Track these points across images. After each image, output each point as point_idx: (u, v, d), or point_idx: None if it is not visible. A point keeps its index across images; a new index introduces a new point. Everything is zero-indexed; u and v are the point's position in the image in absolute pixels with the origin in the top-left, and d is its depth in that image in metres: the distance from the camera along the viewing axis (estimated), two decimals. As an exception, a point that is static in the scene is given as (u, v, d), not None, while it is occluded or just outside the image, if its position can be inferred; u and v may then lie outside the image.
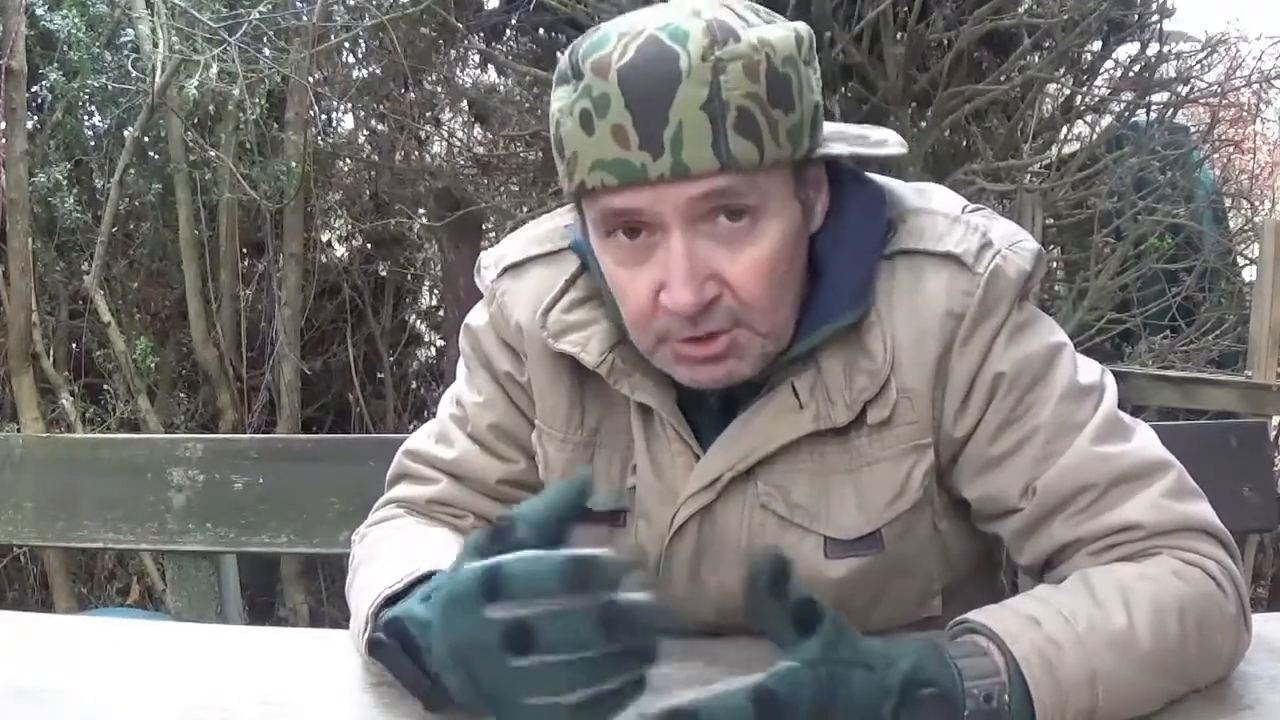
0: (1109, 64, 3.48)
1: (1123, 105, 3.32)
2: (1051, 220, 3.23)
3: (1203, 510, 0.88)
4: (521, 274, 1.02)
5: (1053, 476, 0.88)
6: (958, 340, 0.91)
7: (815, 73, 0.87)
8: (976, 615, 0.80)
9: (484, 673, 0.70)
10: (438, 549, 0.95)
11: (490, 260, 1.05)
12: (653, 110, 0.80)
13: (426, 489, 1.06)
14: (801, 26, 0.87)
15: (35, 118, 3.14)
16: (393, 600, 0.86)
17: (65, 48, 2.92)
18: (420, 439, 1.10)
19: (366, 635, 0.85)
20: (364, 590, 0.90)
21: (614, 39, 0.82)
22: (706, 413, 0.96)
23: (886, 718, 0.72)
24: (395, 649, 0.81)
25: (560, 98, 0.85)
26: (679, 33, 0.81)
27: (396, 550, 0.96)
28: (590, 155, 0.83)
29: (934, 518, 0.96)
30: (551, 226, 1.04)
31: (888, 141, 0.95)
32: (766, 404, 0.93)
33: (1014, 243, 0.93)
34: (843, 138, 0.93)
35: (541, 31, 3.54)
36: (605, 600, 0.67)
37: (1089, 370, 0.94)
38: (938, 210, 0.95)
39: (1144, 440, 0.91)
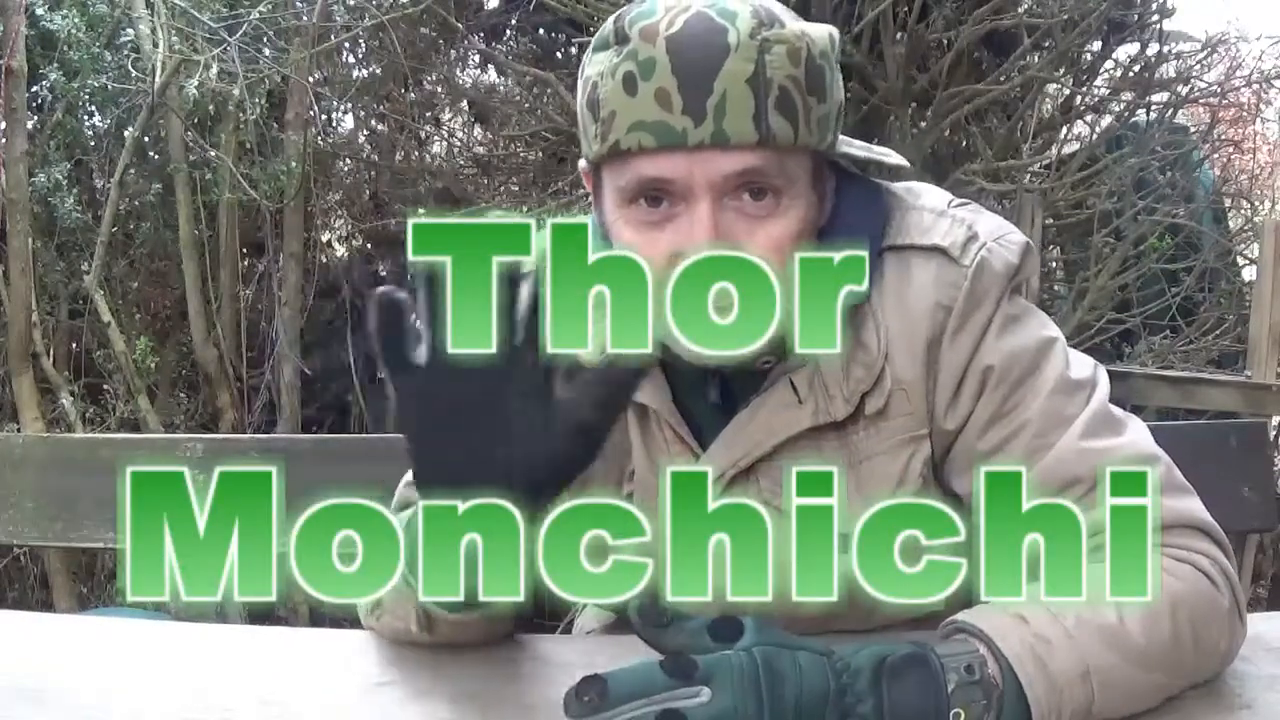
0: (1109, 64, 3.49)
1: (1123, 105, 3.33)
2: (1051, 220, 3.23)
3: (1192, 505, 0.88)
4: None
5: (1040, 471, 0.88)
6: (947, 332, 0.92)
7: (839, 74, 0.90)
8: (963, 615, 0.80)
9: None
10: None
11: None
12: (698, 78, 0.82)
13: None
14: (832, 29, 0.90)
15: (35, 118, 3.13)
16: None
17: (65, 48, 2.92)
18: None
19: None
20: None
21: (661, 10, 0.85)
22: (704, 412, 0.96)
23: (854, 694, 0.71)
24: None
25: (599, 61, 0.86)
26: (727, 11, 0.84)
27: None
28: (630, 116, 0.84)
29: None
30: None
31: (890, 154, 0.98)
32: (765, 400, 0.93)
33: (1000, 236, 0.94)
34: (850, 144, 0.95)
35: (541, 31, 3.54)
36: None
37: (1080, 365, 0.94)
38: (924, 206, 0.96)
39: (1134, 435, 0.91)
